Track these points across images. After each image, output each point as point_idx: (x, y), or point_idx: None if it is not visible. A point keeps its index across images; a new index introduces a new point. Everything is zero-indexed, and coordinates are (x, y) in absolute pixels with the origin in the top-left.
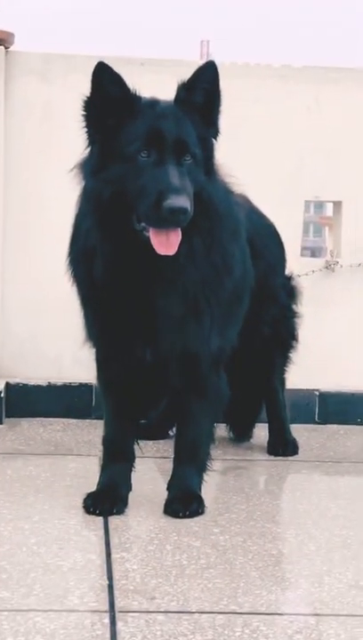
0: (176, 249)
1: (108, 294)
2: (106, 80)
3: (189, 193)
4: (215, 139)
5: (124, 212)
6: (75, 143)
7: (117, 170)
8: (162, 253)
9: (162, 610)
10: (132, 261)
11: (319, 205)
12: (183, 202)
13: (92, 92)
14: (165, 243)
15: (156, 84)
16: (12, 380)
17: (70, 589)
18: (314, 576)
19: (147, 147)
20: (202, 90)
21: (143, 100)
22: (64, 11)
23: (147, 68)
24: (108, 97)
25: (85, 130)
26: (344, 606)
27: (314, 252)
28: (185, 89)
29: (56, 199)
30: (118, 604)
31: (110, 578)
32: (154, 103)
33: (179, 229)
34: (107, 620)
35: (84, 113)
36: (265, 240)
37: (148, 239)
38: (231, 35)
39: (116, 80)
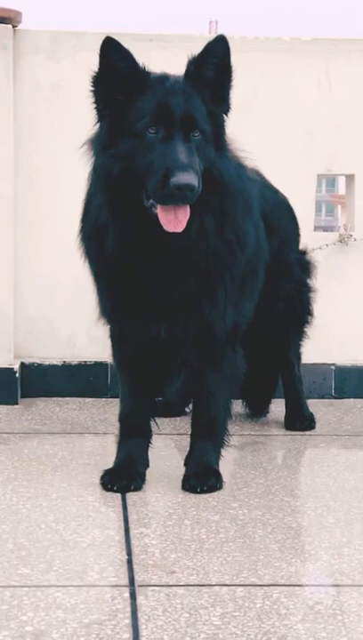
0: (184, 226)
1: (120, 270)
2: (114, 55)
3: (196, 169)
4: (226, 114)
5: (133, 188)
6: (85, 121)
7: (126, 146)
8: (170, 230)
9: (182, 583)
10: (144, 238)
11: (331, 184)
12: (190, 178)
13: (100, 68)
14: (173, 220)
15: (165, 59)
16: (27, 361)
17: (90, 565)
18: (333, 548)
19: (155, 123)
20: (212, 65)
21: (152, 75)
22: None
23: (156, 44)
24: (117, 72)
25: (94, 106)
26: None
27: (327, 231)
28: (195, 64)
29: (67, 178)
30: (138, 578)
31: (129, 553)
32: (163, 79)
33: (187, 206)
34: (127, 595)
35: (93, 89)
36: (279, 215)
37: (156, 216)
38: (240, 14)
39: (125, 55)
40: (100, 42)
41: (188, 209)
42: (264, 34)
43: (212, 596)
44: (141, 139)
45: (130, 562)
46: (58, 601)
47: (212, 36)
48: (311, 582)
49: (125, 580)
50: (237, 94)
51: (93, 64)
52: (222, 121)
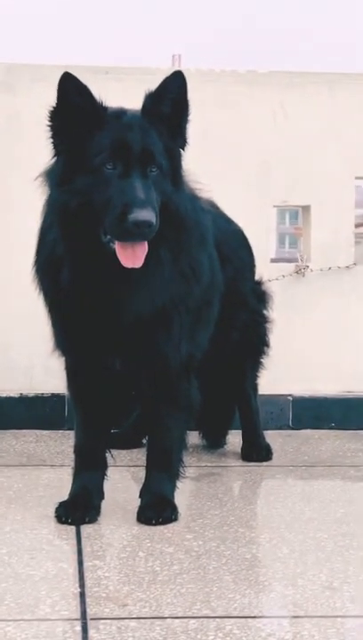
0: (142, 261)
1: (75, 303)
2: (71, 90)
3: (154, 205)
4: (183, 149)
5: (90, 223)
6: (39, 153)
7: (83, 181)
8: (128, 266)
9: (134, 616)
10: (99, 272)
11: (294, 216)
12: (148, 215)
13: (57, 103)
14: (131, 256)
15: (121, 92)
16: None
17: (42, 598)
18: (288, 579)
19: (112, 158)
20: (169, 100)
21: (109, 109)
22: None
23: (112, 76)
24: (74, 107)
25: (51, 140)
26: (318, 607)
27: (291, 262)
28: (152, 99)
29: (21, 209)
30: (90, 611)
31: (82, 586)
32: (120, 113)
33: (145, 242)
34: (78, 628)
35: (50, 123)
36: (233, 245)
37: (114, 251)
38: (203, 48)
39: (82, 90)
40: (57, 74)
41: (146, 245)
42: (227, 67)
43: (164, 628)
44: (98, 174)
45: (82, 595)
46: (9, 635)
47: (168, 69)
48: (265, 614)
49: (77, 614)
50: (193, 125)
51: (49, 96)
52: (179, 156)
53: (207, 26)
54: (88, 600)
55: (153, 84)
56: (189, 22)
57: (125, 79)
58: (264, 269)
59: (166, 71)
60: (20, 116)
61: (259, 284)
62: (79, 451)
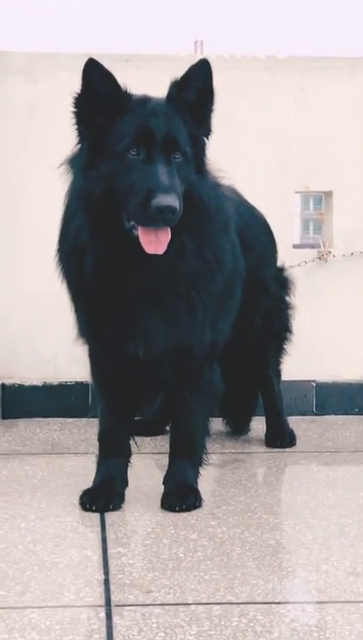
0: (165, 248)
1: (98, 291)
2: (96, 77)
3: (177, 191)
4: (207, 137)
5: (114, 209)
6: (61, 141)
7: (107, 167)
8: (151, 252)
9: (158, 602)
10: (123, 259)
11: (319, 202)
12: (172, 201)
13: (82, 89)
14: (154, 242)
15: (141, 80)
16: (8, 382)
17: (66, 585)
18: (312, 564)
19: (136, 144)
20: (194, 88)
21: (134, 96)
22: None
23: (132, 64)
24: (99, 94)
25: (76, 126)
26: (342, 593)
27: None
28: (177, 86)
29: (45, 197)
30: (114, 598)
31: (107, 573)
32: (145, 100)
33: (168, 228)
34: (103, 615)
35: (75, 110)
36: (255, 232)
37: (137, 238)
38: (227, 34)
39: (107, 77)
40: (77, 62)
41: (169, 231)
42: (247, 54)
43: (188, 614)
44: (122, 160)
45: (107, 582)
46: (33, 622)
47: (188, 56)
48: (288, 599)
49: (102, 601)
50: (214, 112)
51: (70, 84)
52: (203, 143)
53: (230, 10)
54: (112, 587)
55: (173, 71)
56: (213, 6)
57: (145, 67)
58: (287, 256)
59: (186, 58)
60: (40, 104)
61: (281, 270)
62: (103, 438)
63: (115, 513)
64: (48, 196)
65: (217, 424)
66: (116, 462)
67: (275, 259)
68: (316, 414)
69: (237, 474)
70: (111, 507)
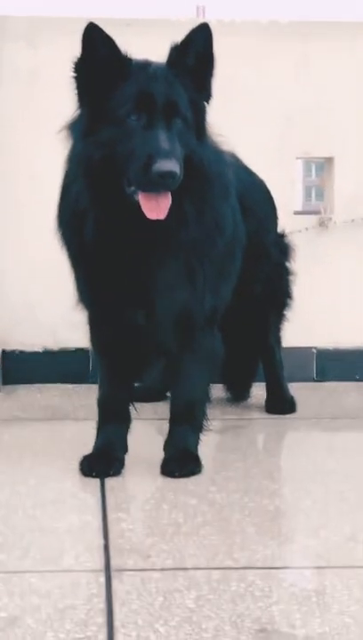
0: (166, 213)
1: (98, 256)
2: (97, 41)
3: (178, 156)
4: (207, 102)
5: (114, 175)
6: (63, 107)
7: (108, 132)
8: (152, 218)
9: (157, 567)
10: (123, 224)
11: (321, 168)
12: (172, 165)
13: (82, 54)
14: (155, 207)
15: (142, 44)
16: (8, 348)
17: (66, 550)
18: (310, 530)
19: (137, 109)
20: (195, 53)
21: (134, 61)
22: None
23: (133, 29)
24: (99, 58)
25: (75, 91)
26: (340, 558)
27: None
28: (177, 51)
29: (45, 164)
30: (114, 563)
31: (106, 538)
32: (145, 65)
33: (169, 193)
34: (102, 579)
35: (75, 74)
36: (255, 197)
37: (138, 203)
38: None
39: (107, 41)
40: (78, 27)
41: (169, 196)
42: (248, 18)
43: (187, 579)
44: (122, 125)
45: (106, 547)
46: (33, 586)
47: (189, 21)
48: (287, 565)
49: (101, 565)
50: (215, 77)
51: (72, 50)
52: (204, 108)
53: None
54: (112, 552)
55: (175, 36)
56: None
57: (146, 31)
58: (288, 222)
59: (188, 23)
60: (40, 69)
61: (282, 236)
62: (103, 404)
63: (114, 478)
64: (49, 163)
65: (217, 390)
66: (115, 428)
67: (275, 224)
68: (316, 381)
69: (237, 440)
70: (111, 472)
